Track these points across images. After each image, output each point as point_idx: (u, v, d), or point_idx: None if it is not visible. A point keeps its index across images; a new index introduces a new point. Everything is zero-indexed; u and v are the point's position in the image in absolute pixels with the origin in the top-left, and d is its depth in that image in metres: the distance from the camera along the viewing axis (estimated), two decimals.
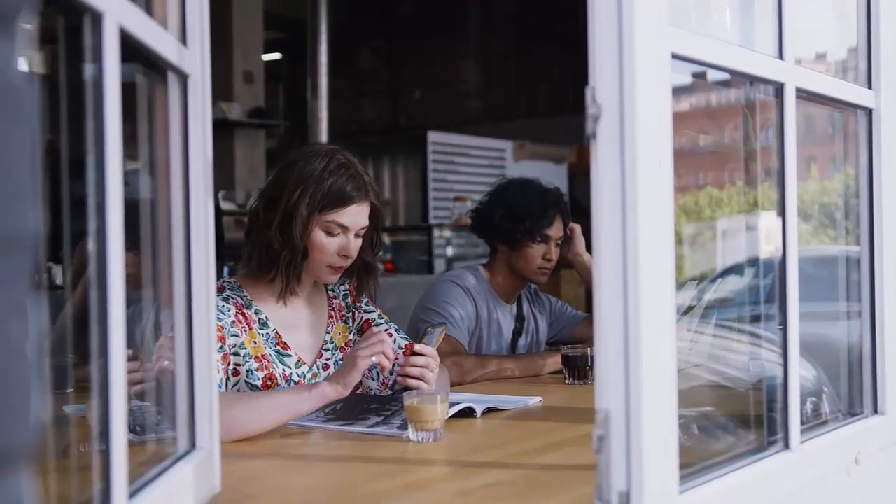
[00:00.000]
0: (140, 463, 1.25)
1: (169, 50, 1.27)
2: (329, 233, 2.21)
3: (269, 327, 2.24)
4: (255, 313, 2.24)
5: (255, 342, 2.20)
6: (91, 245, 1.02)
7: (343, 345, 2.38)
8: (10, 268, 0.57)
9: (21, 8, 0.59)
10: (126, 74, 1.07)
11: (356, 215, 2.23)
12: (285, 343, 2.26)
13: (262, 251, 2.22)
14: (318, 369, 2.31)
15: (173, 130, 1.36)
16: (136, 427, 1.39)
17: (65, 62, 1.06)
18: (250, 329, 2.21)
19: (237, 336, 2.16)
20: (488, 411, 2.19)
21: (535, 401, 2.37)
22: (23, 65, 0.60)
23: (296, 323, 2.31)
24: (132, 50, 1.13)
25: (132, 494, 1.10)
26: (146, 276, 1.39)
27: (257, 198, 2.29)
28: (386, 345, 2.03)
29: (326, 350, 2.35)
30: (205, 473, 1.38)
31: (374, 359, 2.00)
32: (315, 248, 2.21)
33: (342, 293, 2.45)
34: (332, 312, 2.40)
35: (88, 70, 1.03)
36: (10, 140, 0.57)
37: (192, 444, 1.38)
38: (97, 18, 1.00)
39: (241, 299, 2.24)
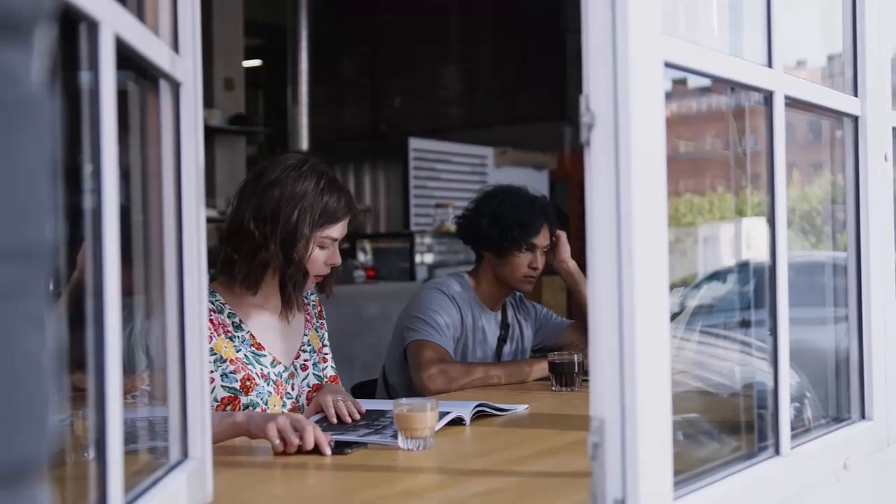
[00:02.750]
0: (133, 472, 1.24)
1: (162, 58, 1.27)
2: (322, 247, 2.30)
3: (243, 330, 2.30)
4: (229, 317, 2.29)
5: (225, 346, 2.25)
6: (87, 253, 1.02)
7: (317, 349, 2.47)
8: (28, 278, 0.57)
9: (38, 20, 0.59)
10: (117, 81, 1.07)
11: (344, 227, 2.34)
12: (260, 344, 2.31)
13: (259, 269, 2.26)
14: (295, 369, 2.38)
15: (165, 138, 1.36)
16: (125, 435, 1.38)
17: (58, 69, 1.05)
18: (219, 335, 2.25)
19: None
20: (479, 416, 2.19)
21: (522, 408, 2.37)
22: (40, 75, 0.60)
23: (273, 326, 2.36)
24: (125, 57, 1.12)
25: None
26: (137, 285, 1.39)
27: (245, 213, 2.27)
28: (302, 436, 1.86)
29: (304, 351, 2.42)
30: (197, 483, 1.37)
31: (276, 442, 1.84)
32: (310, 262, 2.29)
33: (312, 302, 2.52)
34: (308, 317, 2.48)
35: (83, 77, 1.03)
36: (28, 151, 0.57)
37: (185, 454, 1.37)
38: (93, 27, 1.00)
39: (213, 304, 2.27)
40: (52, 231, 0.60)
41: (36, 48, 0.59)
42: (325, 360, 2.51)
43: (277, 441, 1.84)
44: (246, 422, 1.94)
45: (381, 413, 2.20)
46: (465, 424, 2.13)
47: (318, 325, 2.51)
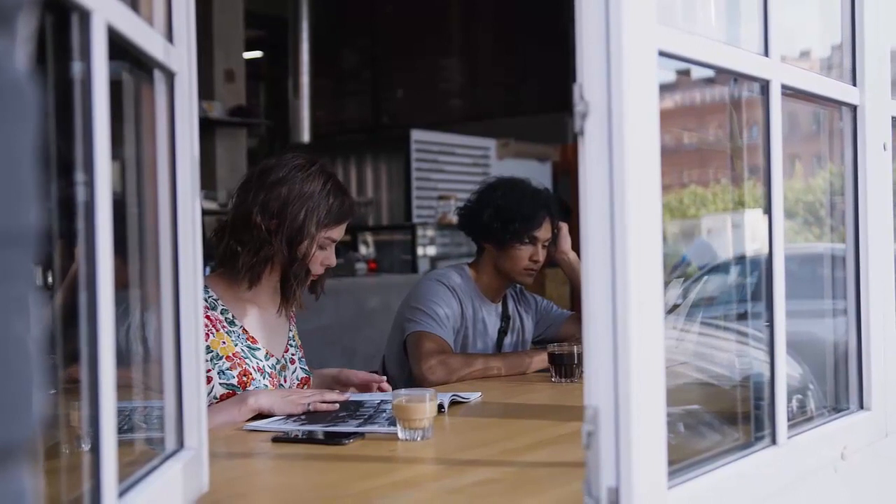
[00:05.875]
0: (128, 462, 1.24)
1: (155, 48, 1.27)
2: (322, 247, 2.35)
3: (236, 325, 2.33)
4: (221, 313, 2.32)
5: (223, 342, 2.28)
6: (79, 246, 1.02)
7: (299, 346, 2.53)
8: (13, 263, 0.57)
9: (21, 6, 0.59)
10: (112, 72, 1.07)
11: (343, 230, 2.40)
12: (253, 338, 2.35)
13: (262, 263, 2.30)
14: (286, 361, 2.43)
15: (160, 129, 1.36)
16: (123, 426, 1.39)
17: (51, 60, 1.05)
18: (217, 331, 2.28)
19: None
20: (453, 404, 2.24)
21: (475, 396, 2.41)
22: (23, 62, 0.60)
23: (262, 320, 2.40)
24: (118, 48, 1.12)
25: (121, 493, 1.09)
26: (132, 277, 1.39)
27: (251, 208, 2.29)
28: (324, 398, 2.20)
29: (291, 346, 2.48)
30: (193, 473, 1.38)
31: (310, 407, 2.15)
32: (310, 261, 2.34)
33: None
34: (292, 314, 2.53)
35: (75, 68, 1.03)
36: (13, 138, 0.57)
37: (181, 444, 1.37)
38: (85, 16, 1.00)
39: (206, 301, 2.29)
40: (36, 217, 0.60)
41: (19, 35, 0.59)
42: (293, 364, 2.54)
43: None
44: (269, 406, 2.12)
45: (360, 403, 2.22)
46: (443, 412, 2.14)
47: (296, 323, 2.57)
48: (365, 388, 2.45)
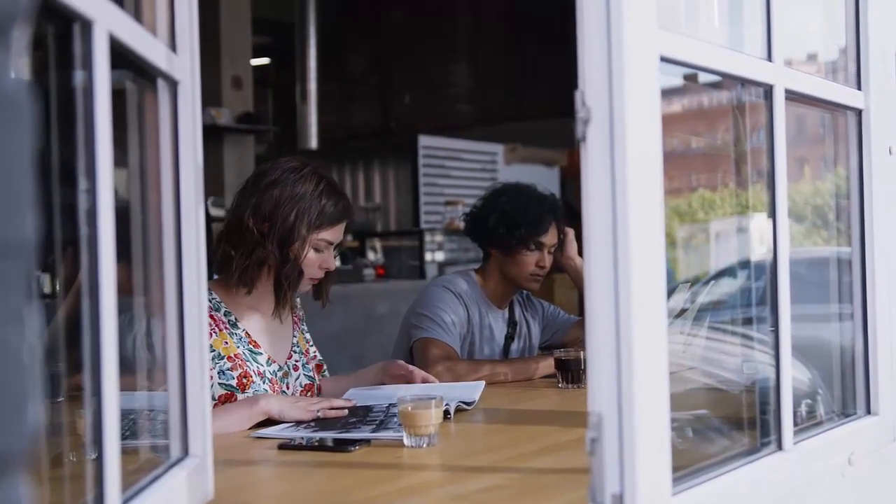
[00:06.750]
0: (133, 470, 1.25)
1: (158, 57, 1.27)
2: (317, 249, 2.34)
3: (239, 328, 2.34)
4: (225, 315, 2.33)
5: (226, 343, 2.29)
6: (82, 253, 1.02)
7: (304, 352, 2.52)
8: (7, 273, 0.57)
9: (17, 17, 0.59)
10: (115, 81, 1.07)
11: (339, 232, 2.39)
12: (256, 342, 2.36)
13: (255, 266, 2.30)
14: (288, 368, 2.43)
15: (163, 137, 1.36)
16: (126, 433, 1.39)
17: (53, 69, 1.05)
18: (220, 331, 2.29)
19: None
20: (458, 410, 2.24)
21: (479, 386, 2.43)
22: (19, 73, 0.60)
23: (265, 326, 2.40)
24: (121, 57, 1.13)
25: (125, 502, 1.10)
26: (136, 285, 1.39)
27: (244, 212, 2.31)
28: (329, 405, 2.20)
29: (295, 352, 2.48)
30: (198, 480, 1.38)
31: (319, 414, 2.14)
32: (305, 263, 2.33)
33: (297, 307, 2.58)
34: (296, 320, 2.53)
35: (78, 77, 1.03)
36: (7, 148, 0.57)
37: (185, 451, 1.38)
38: (87, 26, 1.00)
39: (210, 302, 2.30)
40: (33, 228, 0.60)
41: (15, 46, 0.60)
42: (312, 360, 2.54)
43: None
44: (279, 411, 2.10)
45: (369, 409, 2.21)
46: (449, 419, 2.14)
47: (303, 328, 2.57)
48: (407, 379, 2.47)
